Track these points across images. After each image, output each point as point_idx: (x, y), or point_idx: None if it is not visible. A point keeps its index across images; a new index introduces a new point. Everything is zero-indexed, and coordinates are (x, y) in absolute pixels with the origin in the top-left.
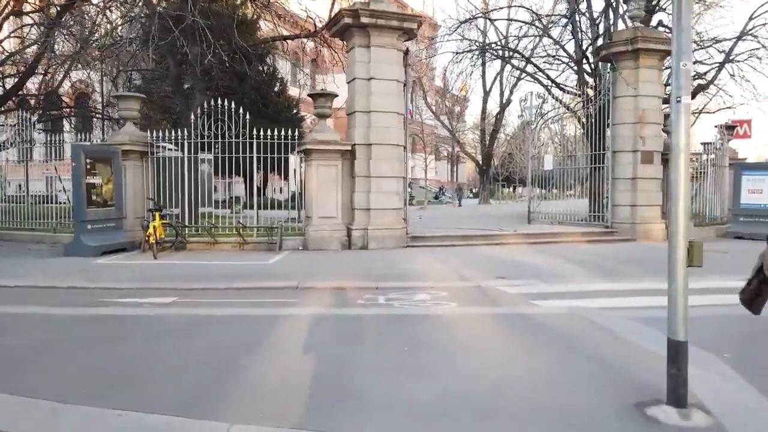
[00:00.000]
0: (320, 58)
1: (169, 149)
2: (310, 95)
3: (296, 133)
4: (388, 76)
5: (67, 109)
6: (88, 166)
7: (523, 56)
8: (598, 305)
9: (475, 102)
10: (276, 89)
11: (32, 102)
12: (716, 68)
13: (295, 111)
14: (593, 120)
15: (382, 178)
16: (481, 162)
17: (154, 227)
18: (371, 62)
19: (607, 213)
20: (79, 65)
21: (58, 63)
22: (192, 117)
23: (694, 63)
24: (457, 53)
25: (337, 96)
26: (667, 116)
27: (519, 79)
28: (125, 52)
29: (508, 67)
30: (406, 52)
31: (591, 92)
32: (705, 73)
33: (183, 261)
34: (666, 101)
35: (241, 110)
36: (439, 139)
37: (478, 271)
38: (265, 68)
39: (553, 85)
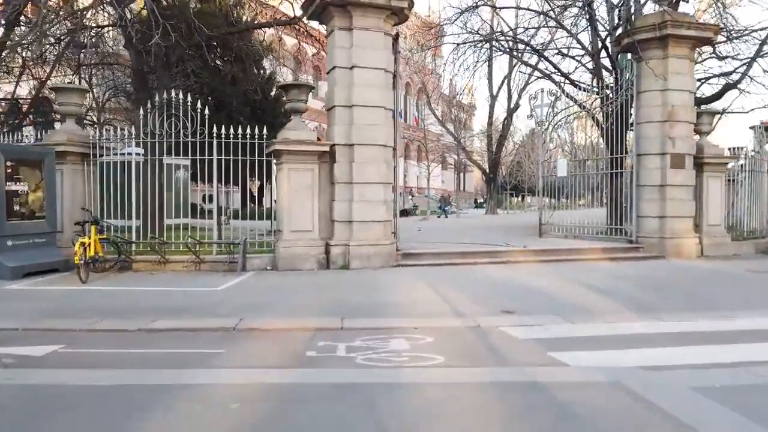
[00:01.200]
0: (302, 55)
1: (137, 154)
2: (280, 87)
3: (263, 131)
4: (374, 64)
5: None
6: (9, 170)
7: (534, 50)
8: (645, 361)
9: (482, 109)
10: (273, 93)
11: None
12: (747, 63)
13: (279, 119)
14: (613, 119)
15: (367, 185)
16: (487, 170)
17: (83, 244)
18: (353, 47)
19: (630, 225)
20: (39, 60)
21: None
22: (141, 113)
23: (723, 58)
24: (458, 45)
25: (314, 88)
26: (699, 114)
27: (529, 77)
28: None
29: (517, 67)
30: (396, 38)
31: (610, 88)
32: (733, 71)
33: (116, 287)
34: (700, 100)
35: (199, 105)
36: (445, 148)
37: (478, 301)
38: (261, 72)
39: (567, 81)
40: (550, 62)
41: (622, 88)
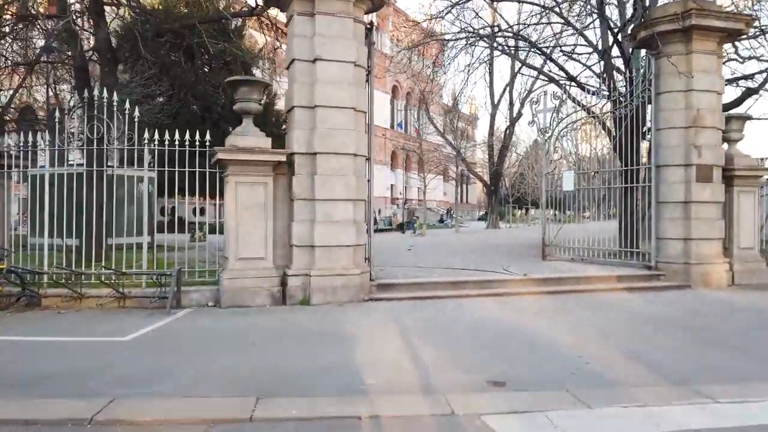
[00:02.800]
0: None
1: (79, 164)
2: (227, 82)
3: (206, 138)
4: (342, 56)
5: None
6: None
7: (535, 46)
8: None
9: (484, 119)
10: (263, 102)
11: None
12: None
13: (283, 126)
14: (626, 125)
15: (333, 202)
16: (489, 182)
17: None
18: (316, 36)
19: (648, 248)
20: None
21: None
22: (57, 115)
23: (748, 59)
24: (447, 41)
25: (270, 86)
26: (728, 119)
27: (533, 84)
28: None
29: (518, 72)
30: (370, 27)
31: (622, 90)
32: (756, 73)
33: None
34: (730, 104)
35: (127, 106)
36: (447, 159)
37: (458, 361)
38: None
39: (573, 83)
40: (554, 62)
41: (638, 89)
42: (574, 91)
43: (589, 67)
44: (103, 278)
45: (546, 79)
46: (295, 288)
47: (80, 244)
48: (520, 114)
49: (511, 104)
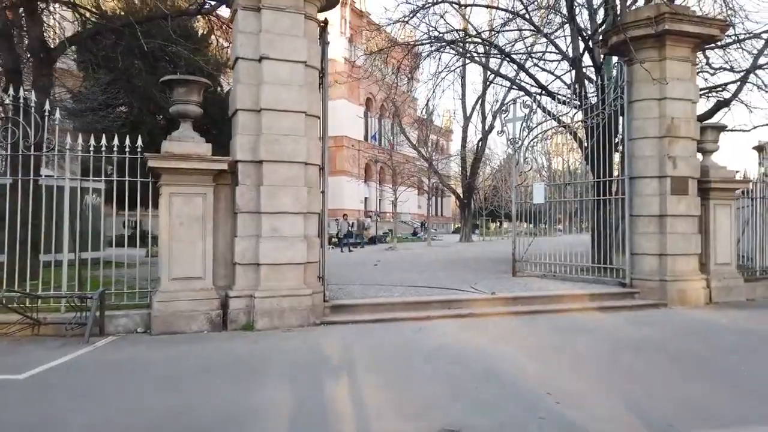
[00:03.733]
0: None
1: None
2: (162, 82)
3: (137, 143)
4: (291, 55)
5: None
6: None
7: (507, 55)
8: None
9: (458, 133)
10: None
11: None
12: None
13: None
14: (598, 135)
15: (281, 215)
16: (462, 194)
17: None
18: (263, 33)
19: (622, 263)
20: None
21: None
22: None
23: (719, 70)
24: (411, 45)
25: (210, 85)
26: (703, 129)
27: (506, 95)
28: None
29: (491, 84)
30: (324, 26)
31: (594, 99)
32: (726, 85)
33: None
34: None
35: (47, 108)
36: (420, 171)
37: (409, 405)
38: (217, 88)
39: (544, 93)
40: (524, 69)
41: (610, 97)
42: (546, 100)
43: (559, 77)
44: (6, 301)
45: (516, 88)
46: (238, 311)
47: (5, 261)
48: (492, 126)
49: (484, 117)
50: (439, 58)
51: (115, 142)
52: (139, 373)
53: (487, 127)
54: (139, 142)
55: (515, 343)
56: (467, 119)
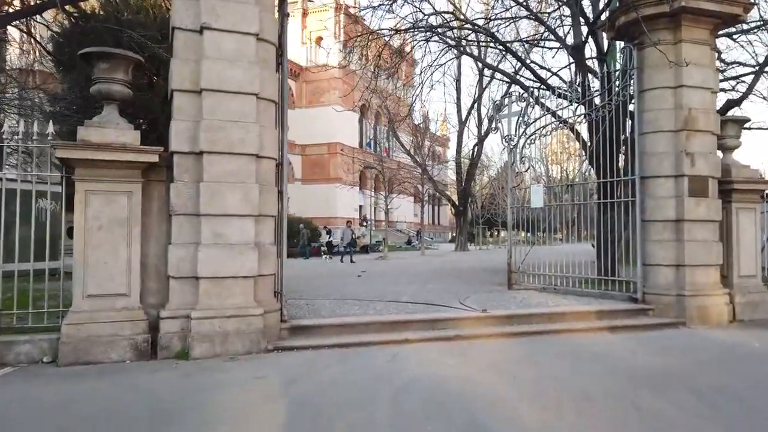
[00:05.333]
0: None
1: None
2: (80, 56)
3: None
4: (240, 25)
5: None
6: None
7: (501, 44)
8: None
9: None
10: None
11: None
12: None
13: None
14: (603, 130)
15: (226, 219)
16: (457, 202)
17: None
18: None
19: (633, 275)
20: None
21: None
22: None
23: (731, 65)
24: (392, 31)
25: (141, 62)
26: (724, 123)
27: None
28: None
29: (487, 76)
30: None
31: (599, 89)
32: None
33: None
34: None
35: None
36: (416, 179)
37: None
38: None
39: (542, 86)
40: (518, 58)
41: (617, 86)
42: (544, 95)
43: (555, 74)
44: None
45: (511, 81)
46: (171, 336)
47: None
48: (489, 131)
49: (480, 121)
50: (428, 50)
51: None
52: (14, 423)
53: (483, 132)
54: (50, 128)
55: (509, 375)
56: (463, 124)
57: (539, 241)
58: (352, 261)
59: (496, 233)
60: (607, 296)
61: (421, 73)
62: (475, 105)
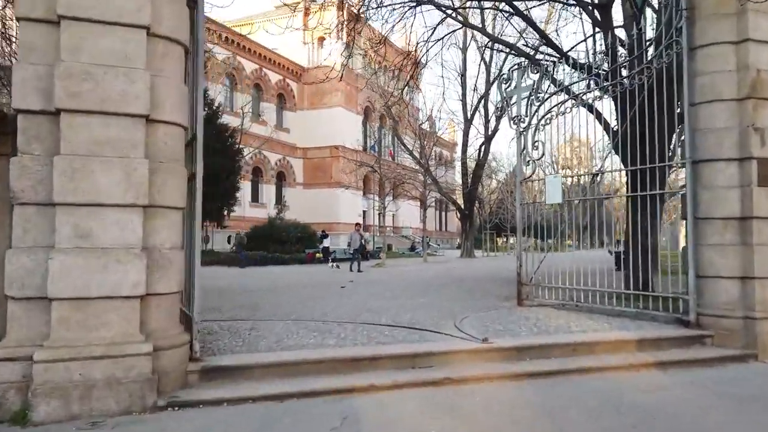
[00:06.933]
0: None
1: None
2: None
3: None
4: None
5: None
6: None
7: (511, 6)
8: None
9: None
10: (204, 115)
11: None
12: None
13: (229, 142)
14: (642, 102)
15: (96, 210)
16: (462, 205)
17: None
18: None
19: (682, 288)
20: None
21: None
22: None
23: None
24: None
25: None
26: None
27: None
28: None
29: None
30: None
31: (633, 55)
32: None
33: None
34: None
35: None
36: (418, 180)
37: None
38: None
39: (560, 58)
40: (525, 17)
41: (657, 50)
42: (561, 69)
43: (565, 53)
44: None
45: (517, 54)
46: (5, 388)
47: None
48: (496, 129)
49: (487, 119)
50: (422, 23)
51: None
52: None
53: (490, 131)
54: None
55: None
56: (468, 122)
57: (553, 246)
58: (359, 270)
59: (504, 239)
60: (645, 317)
61: (416, 49)
62: (482, 102)
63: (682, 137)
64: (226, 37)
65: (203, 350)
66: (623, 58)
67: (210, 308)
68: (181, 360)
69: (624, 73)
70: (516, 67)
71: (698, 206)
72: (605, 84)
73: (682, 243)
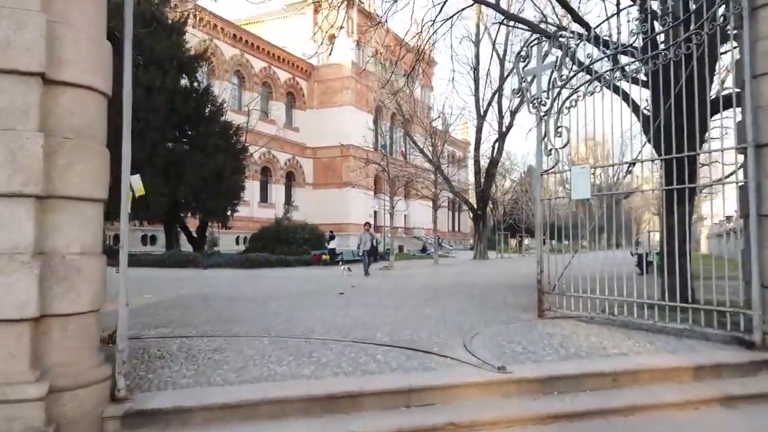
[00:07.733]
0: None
1: None
2: None
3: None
4: None
5: None
6: None
7: None
8: None
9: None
10: (207, 111)
11: None
12: None
13: (234, 140)
14: (690, 74)
15: None
16: (475, 205)
17: None
18: None
19: (744, 301)
20: None
21: None
22: None
23: None
24: None
25: None
26: None
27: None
28: None
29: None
30: None
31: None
32: None
33: None
34: None
35: None
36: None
37: None
38: (194, 83)
39: (588, 35)
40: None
41: (703, 16)
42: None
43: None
44: None
45: (533, 30)
46: None
47: None
48: (511, 125)
49: (501, 115)
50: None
51: None
52: None
53: (504, 127)
54: None
55: None
56: (481, 118)
57: (579, 247)
58: (366, 273)
59: (519, 240)
60: (694, 334)
61: (421, 30)
62: (496, 96)
63: (738, 119)
64: (234, 35)
65: (137, 384)
66: (662, 28)
67: (182, 322)
68: (96, 402)
69: (661, 47)
70: (535, 42)
71: (762, 200)
72: (643, 56)
73: (703, 244)
